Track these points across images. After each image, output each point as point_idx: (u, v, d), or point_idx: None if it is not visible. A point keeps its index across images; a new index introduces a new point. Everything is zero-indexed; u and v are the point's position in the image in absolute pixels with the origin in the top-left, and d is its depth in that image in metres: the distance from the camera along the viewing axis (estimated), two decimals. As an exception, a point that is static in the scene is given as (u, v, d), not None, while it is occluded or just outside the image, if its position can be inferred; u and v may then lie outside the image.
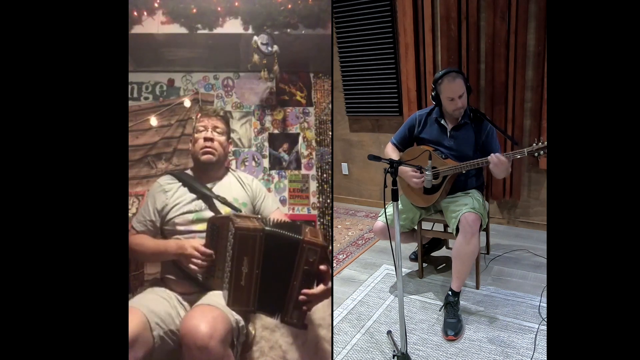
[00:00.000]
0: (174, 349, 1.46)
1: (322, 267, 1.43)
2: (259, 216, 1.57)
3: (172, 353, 1.46)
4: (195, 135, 1.75)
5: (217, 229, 1.52)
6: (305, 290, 1.42)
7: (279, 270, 1.43)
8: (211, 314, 1.36)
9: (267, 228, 1.43)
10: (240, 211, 1.70)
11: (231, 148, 1.89)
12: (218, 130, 1.76)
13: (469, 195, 2.22)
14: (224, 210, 1.68)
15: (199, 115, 1.82)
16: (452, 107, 2.15)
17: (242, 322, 1.49)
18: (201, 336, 1.28)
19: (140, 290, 1.65)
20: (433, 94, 2.22)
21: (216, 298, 1.48)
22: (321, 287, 1.45)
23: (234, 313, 1.44)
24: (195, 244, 1.52)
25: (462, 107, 2.15)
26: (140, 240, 1.65)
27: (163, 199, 1.68)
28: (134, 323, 1.34)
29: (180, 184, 1.71)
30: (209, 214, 1.65)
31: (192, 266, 1.51)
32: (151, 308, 1.44)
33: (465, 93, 2.13)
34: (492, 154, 2.02)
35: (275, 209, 1.83)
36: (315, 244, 1.41)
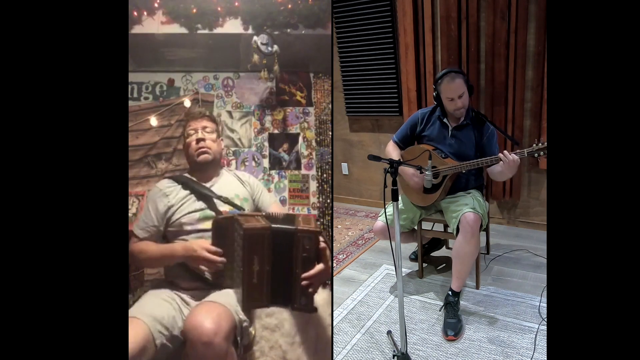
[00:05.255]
0: (172, 351, 1.45)
1: (320, 246, 1.49)
2: (263, 214, 1.58)
3: (171, 355, 1.46)
4: (187, 140, 1.76)
5: (222, 229, 1.53)
6: (304, 275, 1.46)
7: (284, 263, 1.47)
8: (216, 310, 1.37)
9: (273, 226, 1.47)
10: (244, 210, 1.71)
11: (223, 145, 1.91)
12: (207, 129, 1.77)
13: (469, 195, 2.22)
14: (227, 208, 1.68)
15: (187, 120, 1.83)
16: (452, 107, 2.15)
17: (246, 323, 1.49)
18: (206, 332, 1.29)
19: (141, 290, 1.65)
20: (434, 94, 2.22)
21: (221, 296, 1.48)
22: (318, 267, 1.49)
23: (239, 312, 1.45)
24: (204, 244, 1.52)
25: (463, 107, 2.15)
26: (144, 246, 1.63)
27: (165, 202, 1.67)
28: (138, 335, 1.33)
29: (181, 186, 1.71)
30: (215, 212, 1.67)
31: (203, 267, 1.52)
32: (154, 315, 1.43)
33: (466, 93, 2.13)
34: (504, 152, 1.95)
35: (272, 202, 1.87)
36: (308, 231, 1.47)
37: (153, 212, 1.67)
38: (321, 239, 1.50)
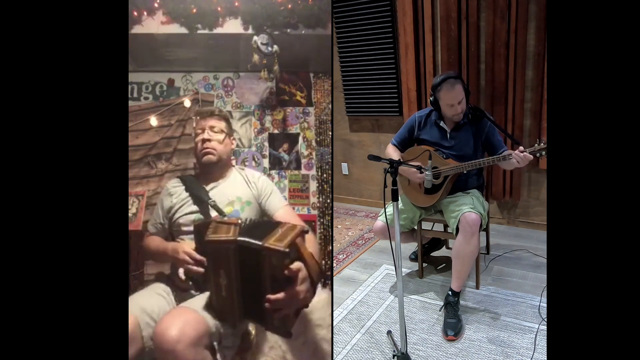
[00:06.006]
0: None
1: (286, 272, 1.33)
2: (239, 221, 1.46)
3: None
4: (195, 139, 1.76)
5: (201, 234, 1.48)
6: (268, 297, 1.32)
7: (252, 279, 1.37)
8: (183, 317, 1.33)
9: (239, 238, 1.36)
10: (225, 215, 1.67)
11: (234, 145, 1.89)
12: (215, 129, 1.75)
13: (469, 195, 2.22)
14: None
15: (198, 118, 1.82)
16: (452, 113, 2.15)
17: (222, 329, 1.43)
18: (167, 339, 1.27)
19: (141, 290, 1.65)
20: (431, 99, 2.21)
21: (197, 300, 1.46)
22: (285, 293, 1.33)
23: (209, 318, 1.41)
24: (187, 248, 1.50)
25: (462, 112, 2.15)
26: (149, 241, 1.72)
27: (169, 201, 1.72)
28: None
29: (184, 187, 1.74)
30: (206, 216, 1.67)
31: (183, 271, 1.50)
32: (143, 307, 1.44)
33: (464, 98, 2.13)
34: (515, 152, 1.97)
35: (281, 206, 1.81)
36: (274, 250, 1.30)
37: (160, 210, 1.74)
38: (295, 265, 1.33)
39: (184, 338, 1.28)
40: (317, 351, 1.64)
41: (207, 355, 1.35)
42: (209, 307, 1.42)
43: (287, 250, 1.31)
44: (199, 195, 1.70)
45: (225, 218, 1.64)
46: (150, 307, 1.46)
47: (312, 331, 1.66)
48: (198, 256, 1.47)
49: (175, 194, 1.73)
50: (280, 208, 1.80)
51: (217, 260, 1.39)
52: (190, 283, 1.57)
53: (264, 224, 1.55)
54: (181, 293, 1.59)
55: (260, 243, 1.33)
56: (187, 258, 1.48)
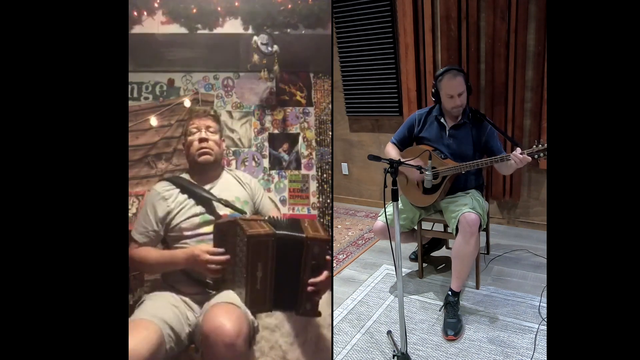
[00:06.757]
0: (176, 354, 1.45)
1: (327, 257, 1.51)
2: (265, 218, 1.55)
3: (175, 358, 1.46)
4: (189, 137, 1.72)
5: (223, 233, 1.50)
6: (312, 280, 1.48)
7: (289, 269, 1.47)
8: (235, 312, 1.37)
9: (277, 232, 1.45)
10: (245, 213, 1.68)
11: (224, 146, 1.88)
12: (211, 129, 1.74)
13: (469, 195, 2.22)
14: (227, 211, 1.66)
15: (189, 117, 1.79)
16: (451, 105, 2.15)
17: (256, 323, 1.49)
18: (228, 334, 1.28)
19: (141, 291, 1.64)
20: (433, 90, 2.22)
21: (233, 296, 1.47)
22: (325, 274, 1.51)
23: (249, 313, 1.44)
24: (206, 248, 1.49)
25: (461, 106, 2.15)
26: (144, 253, 1.60)
27: (164, 206, 1.62)
28: (153, 339, 1.31)
29: (179, 189, 1.67)
30: (215, 215, 1.64)
31: (207, 271, 1.49)
32: (164, 319, 1.42)
33: (465, 92, 2.13)
34: (513, 153, 1.97)
35: (272, 207, 1.84)
36: (318, 239, 1.48)
37: (152, 217, 1.62)
38: (327, 246, 1.52)
39: (241, 332, 1.31)
40: (317, 351, 1.64)
41: (251, 353, 1.40)
42: (244, 301, 1.45)
43: (328, 238, 1.52)
44: (203, 196, 1.65)
45: (246, 215, 1.67)
46: (170, 318, 1.43)
47: (312, 331, 1.66)
48: (222, 250, 1.48)
49: (171, 197, 1.64)
50: (272, 209, 1.82)
51: (255, 254, 1.43)
52: (208, 288, 1.56)
53: (290, 220, 1.60)
54: (195, 296, 1.57)
55: (304, 235, 1.48)
56: (210, 256, 1.47)
